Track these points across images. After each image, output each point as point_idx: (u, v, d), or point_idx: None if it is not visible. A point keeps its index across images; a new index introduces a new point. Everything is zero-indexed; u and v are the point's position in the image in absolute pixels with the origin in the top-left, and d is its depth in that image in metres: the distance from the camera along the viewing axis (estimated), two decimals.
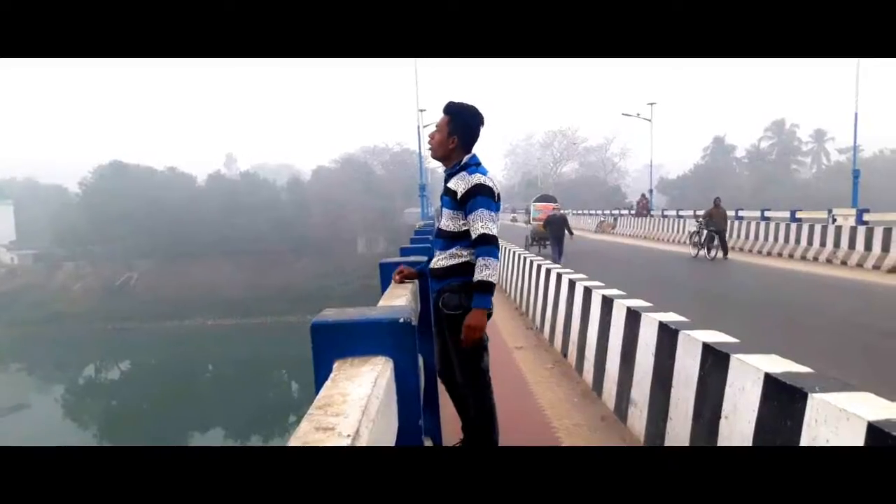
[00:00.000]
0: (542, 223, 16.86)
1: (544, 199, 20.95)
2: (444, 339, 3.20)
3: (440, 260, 3.14)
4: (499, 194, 3.12)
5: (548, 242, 16.65)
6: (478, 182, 3.01)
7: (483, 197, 3.00)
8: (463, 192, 3.03)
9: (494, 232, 3.00)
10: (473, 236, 3.01)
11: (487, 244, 2.97)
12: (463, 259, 3.09)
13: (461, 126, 3.13)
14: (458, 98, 3.17)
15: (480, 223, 2.98)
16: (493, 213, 3.01)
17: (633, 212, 31.04)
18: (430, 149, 3.21)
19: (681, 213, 25.12)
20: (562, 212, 17.13)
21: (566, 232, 15.41)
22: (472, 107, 3.16)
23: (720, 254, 15.44)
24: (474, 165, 3.10)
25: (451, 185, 3.10)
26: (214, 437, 24.96)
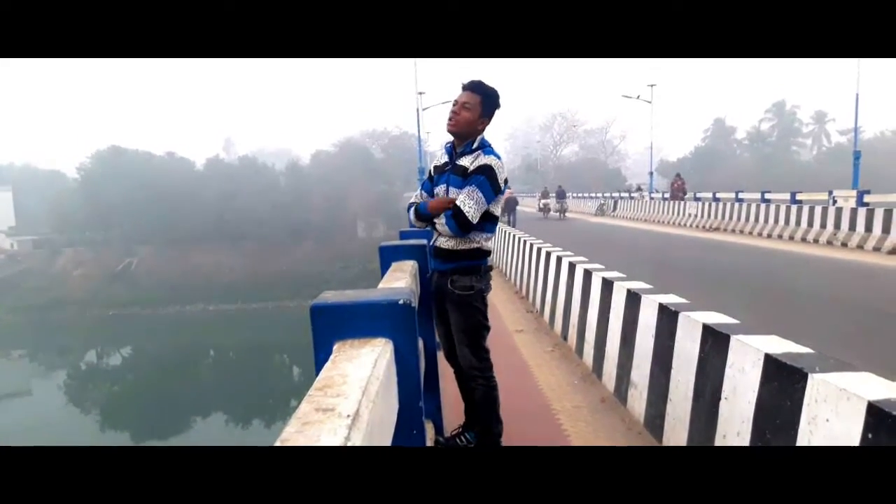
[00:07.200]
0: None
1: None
2: (448, 322, 3.19)
3: (449, 240, 3.12)
4: (506, 179, 3.14)
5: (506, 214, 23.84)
6: (488, 163, 3.03)
7: (483, 177, 3.01)
8: (473, 167, 3.04)
9: (469, 211, 2.97)
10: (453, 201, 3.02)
11: (456, 219, 2.99)
12: (474, 245, 3.11)
13: (492, 110, 3.13)
14: (455, 79, 3.16)
15: (465, 196, 3.00)
16: (480, 195, 2.99)
17: (666, 195, 28.61)
18: (453, 122, 3.09)
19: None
20: (513, 195, 25.09)
21: (516, 207, 25.25)
22: (497, 91, 3.17)
23: None
24: (489, 147, 3.13)
25: (463, 161, 3.09)
26: (216, 422, 25.05)
